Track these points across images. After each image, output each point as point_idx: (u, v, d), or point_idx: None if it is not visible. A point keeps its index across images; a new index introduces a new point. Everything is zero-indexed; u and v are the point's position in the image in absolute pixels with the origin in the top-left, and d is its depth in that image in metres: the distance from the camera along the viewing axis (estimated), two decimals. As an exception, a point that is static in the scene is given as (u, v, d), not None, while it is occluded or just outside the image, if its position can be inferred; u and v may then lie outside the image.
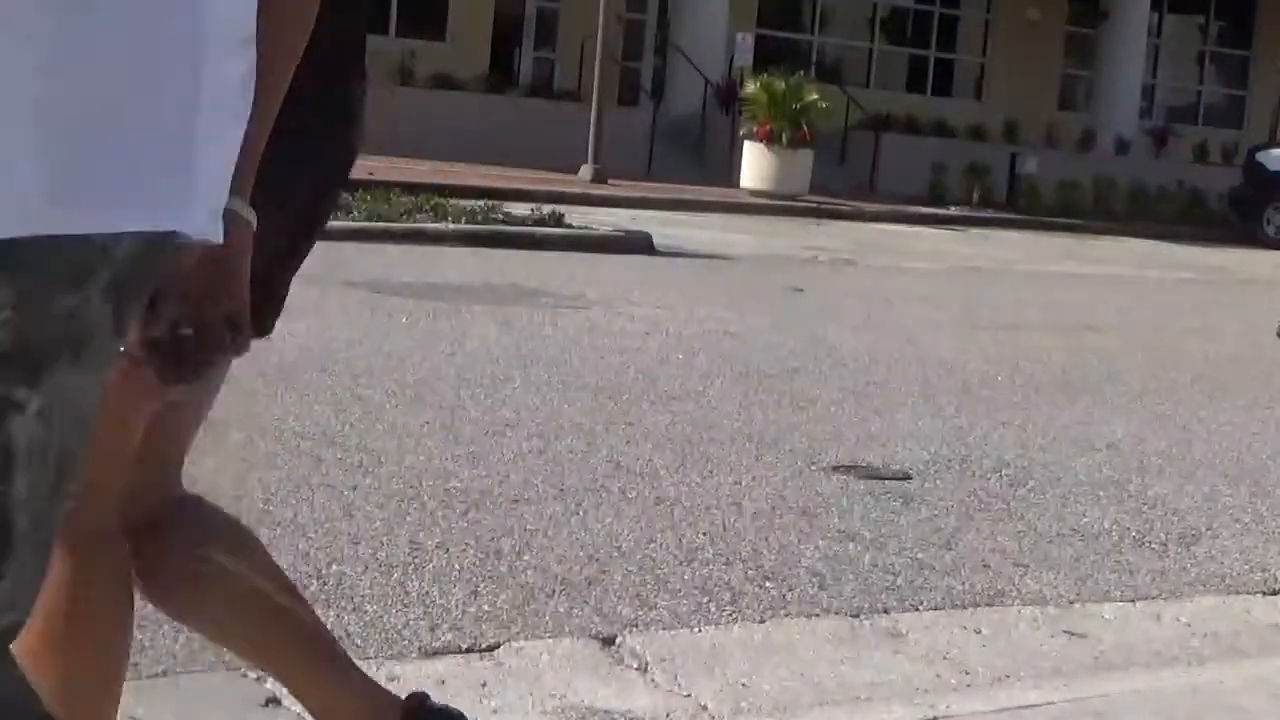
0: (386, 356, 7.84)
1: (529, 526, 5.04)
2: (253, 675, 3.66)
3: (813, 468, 6.21)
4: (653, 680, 3.86)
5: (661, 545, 4.96)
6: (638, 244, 14.87)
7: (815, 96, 22.57)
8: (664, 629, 4.22)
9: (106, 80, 1.50)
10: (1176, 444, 7.32)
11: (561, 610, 4.27)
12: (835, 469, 6.20)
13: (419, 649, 3.91)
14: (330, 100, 2.14)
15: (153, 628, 3.85)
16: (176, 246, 1.65)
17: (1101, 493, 6.20)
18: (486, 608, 4.24)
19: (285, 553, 4.54)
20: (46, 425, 1.55)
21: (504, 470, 5.74)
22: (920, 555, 5.10)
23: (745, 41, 25.37)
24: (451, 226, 14.35)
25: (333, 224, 13.20)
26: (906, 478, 6.15)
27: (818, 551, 5.04)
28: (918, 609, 4.57)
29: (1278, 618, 4.81)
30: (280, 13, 1.81)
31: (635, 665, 3.95)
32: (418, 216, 14.71)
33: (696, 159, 24.63)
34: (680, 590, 4.54)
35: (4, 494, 1.54)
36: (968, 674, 4.09)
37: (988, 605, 4.68)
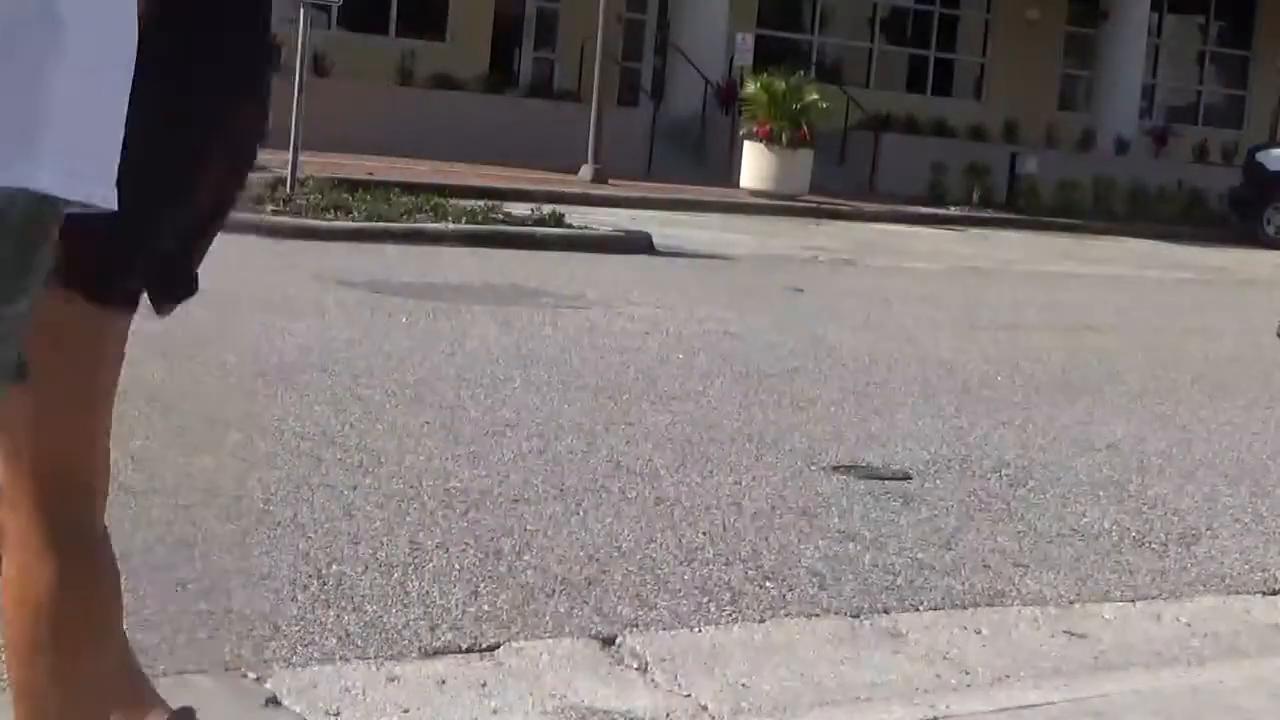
0: (386, 356, 7.84)
1: (529, 526, 5.04)
2: (252, 675, 3.66)
3: (813, 468, 6.20)
4: (653, 680, 3.86)
5: (661, 545, 4.96)
6: (638, 244, 14.87)
7: (815, 96, 22.56)
8: (664, 629, 4.22)
9: None
10: (1176, 444, 7.32)
11: (561, 610, 4.27)
12: (835, 469, 6.20)
13: (419, 649, 3.91)
14: (235, 77, 2.13)
15: (152, 628, 3.86)
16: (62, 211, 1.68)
17: (1101, 493, 6.20)
18: (486, 608, 4.24)
19: (285, 552, 4.54)
20: None
21: (504, 470, 5.74)
22: (920, 555, 5.10)
23: (745, 41, 25.37)
24: (451, 226, 14.35)
25: (333, 224, 13.18)
26: (906, 478, 6.15)
27: (818, 551, 5.04)
28: (918, 609, 4.57)
29: (1278, 618, 4.81)
30: None
31: (635, 665, 3.95)
32: (418, 216, 14.70)
33: (696, 159, 24.63)
34: (680, 590, 4.54)
35: None
36: (968, 674, 4.09)
37: (988, 605, 4.68)
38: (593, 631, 4.13)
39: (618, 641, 4.07)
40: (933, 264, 16.61)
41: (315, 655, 3.80)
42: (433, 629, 4.05)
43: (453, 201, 15.63)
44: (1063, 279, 16.21)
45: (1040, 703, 3.77)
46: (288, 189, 14.99)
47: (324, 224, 13.94)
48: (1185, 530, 5.73)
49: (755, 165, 22.39)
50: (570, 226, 15.15)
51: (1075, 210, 24.50)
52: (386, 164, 19.17)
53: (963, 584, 4.85)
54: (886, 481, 6.05)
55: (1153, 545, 5.49)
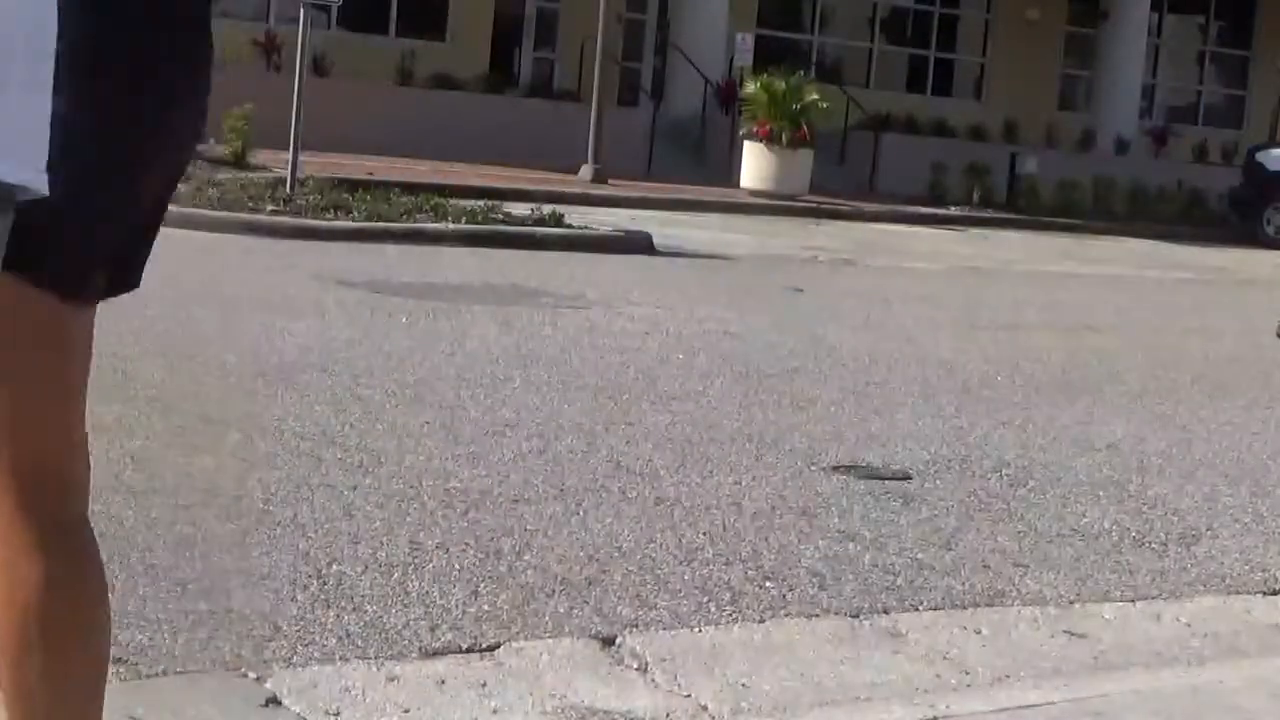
0: (386, 356, 7.84)
1: (529, 526, 5.04)
2: (252, 675, 3.66)
3: (813, 468, 6.20)
4: (653, 680, 3.86)
5: (661, 545, 4.96)
6: (638, 244, 14.87)
7: (815, 96, 22.56)
8: (664, 629, 4.22)
9: None
10: (1176, 444, 7.32)
11: (561, 610, 4.27)
12: (835, 469, 6.20)
13: (419, 649, 3.91)
14: (174, 79, 2.13)
15: (152, 628, 3.86)
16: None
17: (1101, 493, 6.20)
18: (486, 608, 4.24)
19: (285, 552, 4.54)
20: None
21: (504, 470, 5.74)
22: (920, 555, 5.10)
23: (745, 41, 25.37)
24: (451, 226, 14.35)
25: (333, 224, 13.17)
26: (906, 478, 6.15)
27: (818, 551, 5.04)
28: (918, 609, 4.57)
29: (1278, 618, 4.81)
30: None
31: (635, 665, 3.95)
32: (417, 216, 14.71)
33: (696, 159, 24.63)
34: (680, 590, 4.54)
35: None
36: (968, 674, 4.09)
37: (988, 605, 4.68)
38: (593, 631, 4.13)
39: (618, 641, 4.07)
40: (933, 264, 16.61)
41: (315, 655, 3.80)
42: (433, 629, 4.05)
43: (453, 201, 15.63)
44: (1063, 279, 16.21)
45: (1040, 703, 3.77)
46: (288, 189, 14.99)
47: (324, 224, 13.94)
48: (1185, 530, 5.73)
49: (755, 165, 22.39)
50: (570, 226, 15.15)
51: (1075, 210, 24.50)
52: (386, 164, 19.18)
53: (963, 584, 4.85)
54: (886, 481, 6.05)
55: (1153, 545, 5.49)
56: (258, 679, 3.64)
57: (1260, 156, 25.43)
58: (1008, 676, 4.08)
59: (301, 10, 15.10)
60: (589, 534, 5.01)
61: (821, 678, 3.96)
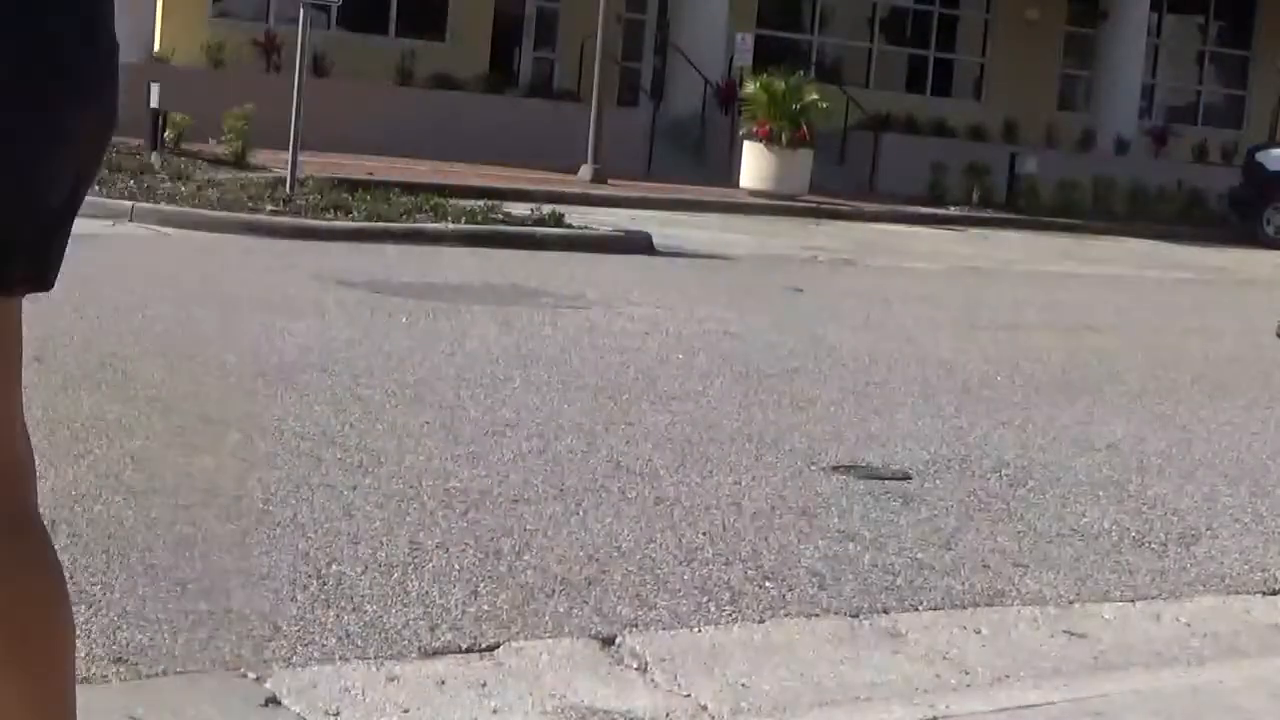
0: (386, 356, 7.84)
1: (529, 526, 5.04)
2: (252, 676, 3.66)
3: (813, 468, 6.20)
4: (652, 680, 3.86)
5: (661, 545, 4.96)
6: (638, 244, 14.87)
7: (815, 96, 22.56)
8: (664, 629, 4.22)
9: None
10: (1176, 444, 7.32)
11: (561, 610, 4.27)
12: (835, 469, 6.20)
13: (419, 649, 3.91)
14: (79, 90, 2.11)
15: (152, 628, 3.86)
16: None
17: (1101, 493, 6.20)
18: (486, 608, 4.24)
19: (285, 553, 4.54)
20: None
21: (504, 470, 5.74)
22: (920, 555, 5.10)
23: (745, 41, 25.37)
24: (451, 226, 14.35)
25: (333, 224, 13.17)
26: (906, 478, 6.15)
27: (817, 551, 5.04)
28: (917, 609, 4.57)
29: (1278, 618, 4.81)
30: None
31: (635, 665, 3.95)
32: (417, 216, 14.71)
33: (696, 159, 24.63)
34: (680, 590, 4.54)
35: None
36: (967, 674, 4.09)
37: (987, 605, 4.68)
38: (593, 631, 4.13)
39: (617, 641, 4.07)
40: (933, 264, 16.61)
41: (315, 655, 3.80)
42: (432, 629, 4.05)
43: (453, 201, 15.63)
44: (1063, 279, 16.21)
45: (1040, 703, 3.77)
46: (287, 189, 14.99)
47: (324, 224, 13.94)
48: (1185, 530, 5.73)
49: (755, 165, 22.39)
50: (570, 226, 15.16)
51: (1075, 210, 24.50)
52: (386, 164, 19.18)
53: (962, 584, 4.85)
54: (886, 481, 6.05)
55: (1152, 545, 5.49)
56: (258, 679, 3.64)
57: (1260, 156, 25.43)
58: (1007, 676, 4.08)
59: (301, 10, 15.10)
60: (589, 534, 5.01)
61: (821, 678, 3.96)
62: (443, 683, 3.72)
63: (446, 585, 4.38)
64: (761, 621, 4.34)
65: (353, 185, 16.03)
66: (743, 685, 3.86)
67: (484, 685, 3.73)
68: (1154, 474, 6.63)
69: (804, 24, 29.89)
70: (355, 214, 14.41)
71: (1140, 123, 30.56)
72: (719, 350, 9.01)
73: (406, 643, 3.94)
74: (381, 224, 14.13)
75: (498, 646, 3.96)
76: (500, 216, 15.02)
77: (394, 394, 6.94)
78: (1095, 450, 7.01)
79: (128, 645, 3.74)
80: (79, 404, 6.03)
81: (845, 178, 24.60)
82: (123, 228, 13.27)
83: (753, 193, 21.99)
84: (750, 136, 22.46)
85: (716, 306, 11.01)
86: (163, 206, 14.04)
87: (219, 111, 17.71)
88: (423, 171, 19.07)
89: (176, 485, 5.12)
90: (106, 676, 3.57)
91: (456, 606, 4.22)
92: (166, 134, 17.30)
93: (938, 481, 6.14)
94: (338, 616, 4.06)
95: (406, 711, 3.54)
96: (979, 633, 4.42)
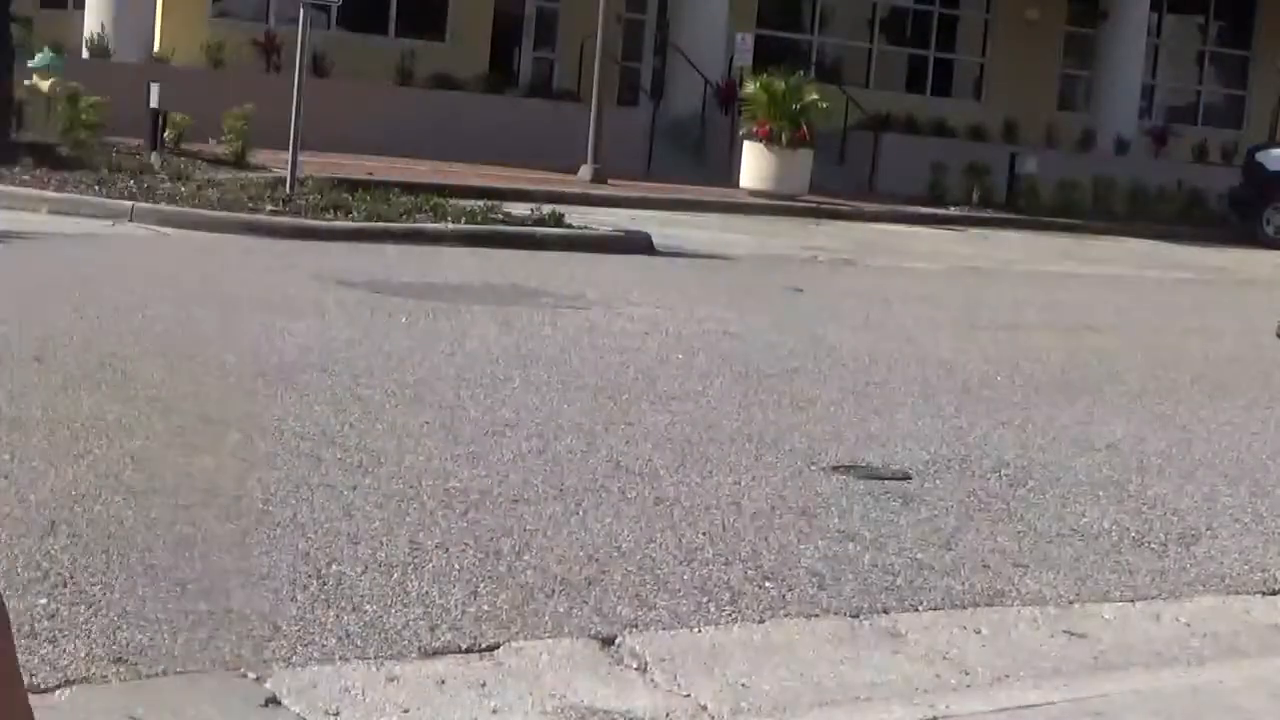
0: (386, 356, 7.84)
1: (529, 526, 5.04)
2: (252, 676, 3.66)
3: (813, 468, 6.20)
4: (652, 680, 3.86)
5: (661, 545, 4.96)
6: (637, 244, 14.87)
7: (815, 96, 22.55)
8: (664, 629, 4.22)
9: None
10: (1176, 444, 7.32)
11: (561, 610, 4.27)
12: (835, 469, 6.20)
13: (419, 649, 3.91)
14: None
15: (152, 628, 3.86)
16: None
17: (1101, 493, 6.20)
18: (486, 608, 4.24)
19: (285, 553, 4.54)
20: None
21: (504, 470, 5.74)
22: (920, 555, 5.10)
23: (745, 41, 25.35)
24: (451, 226, 14.34)
25: (333, 224, 13.16)
26: (906, 478, 6.15)
27: (817, 551, 5.04)
28: (917, 609, 4.57)
29: (1277, 618, 4.81)
30: None
31: (635, 665, 3.95)
32: (417, 216, 14.70)
33: (696, 159, 24.62)
34: (680, 590, 4.54)
35: None
36: (967, 674, 4.09)
37: (987, 605, 4.68)
38: (592, 631, 4.13)
39: (617, 641, 4.08)
40: (933, 264, 16.61)
41: (315, 655, 3.80)
42: (432, 629, 4.05)
43: (452, 201, 15.62)
44: (1063, 279, 16.21)
45: (1040, 703, 3.78)
46: (287, 189, 14.99)
47: (324, 224, 13.94)
48: (1185, 530, 5.73)
49: (755, 165, 22.38)
50: (570, 226, 15.15)
51: (1075, 210, 24.49)
52: (386, 164, 19.17)
53: (962, 584, 4.85)
54: (886, 481, 6.05)
55: (1152, 545, 5.49)
56: (258, 679, 3.64)
57: (1260, 156, 25.42)
58: (1007, 676, 4.08)
59: (301, 10, 15.09)
60: (589, 534, 5.01)
61: (821, 678, 3.97)
62: (443, 683, 3.72)
63: (446, 585, 4.38)
64: (761, 621, 4.35)
65: (353, 185, 16.02)
66: (743, 685, 3.86)
67: (484, 685, 3.73)
68: (1154, 474, 6.63)
69: (804, 24, 29.88)
70: (355, 214, 14.41)
71: (1140, 123, 30.55)
72: (719, 350, 9.01)
73: (406, 643, 3.94)
74: (381, 224, 14.12)
75: (498, 646, 3.96)
76: (500, 216, 15.02)
77: (394, 394, 6.94)
78: (1095, 450, 7.01)
79: (128, 645, 3.74)
80: (79, 404, 6.03)
81: (845, 178, 24.59)
82: (123, 228, 13.27)
83: (753, 193, 21.98)
84: (750, 136, 22.45)
85: (716, 306, 11.01)
86: (162, 206, 14.04)
87: (219, 111, 17.71)
88: (423, 171, 19.07)
89: (176, 485, 5.12)
90: (106, 676, 3.57)
91: (456, 606, 4.22)
92: (166, 134, 17.30)
93: (938, 481, 6.14)
94: (338, 616, 4.06)
95: (406, 711, 3.54)
96: (979, 633, 4.42)
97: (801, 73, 23.47)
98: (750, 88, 22.72)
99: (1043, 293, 14.35)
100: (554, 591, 4.42)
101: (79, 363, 6.90)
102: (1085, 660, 4.28)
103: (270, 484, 5.25)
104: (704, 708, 3.70)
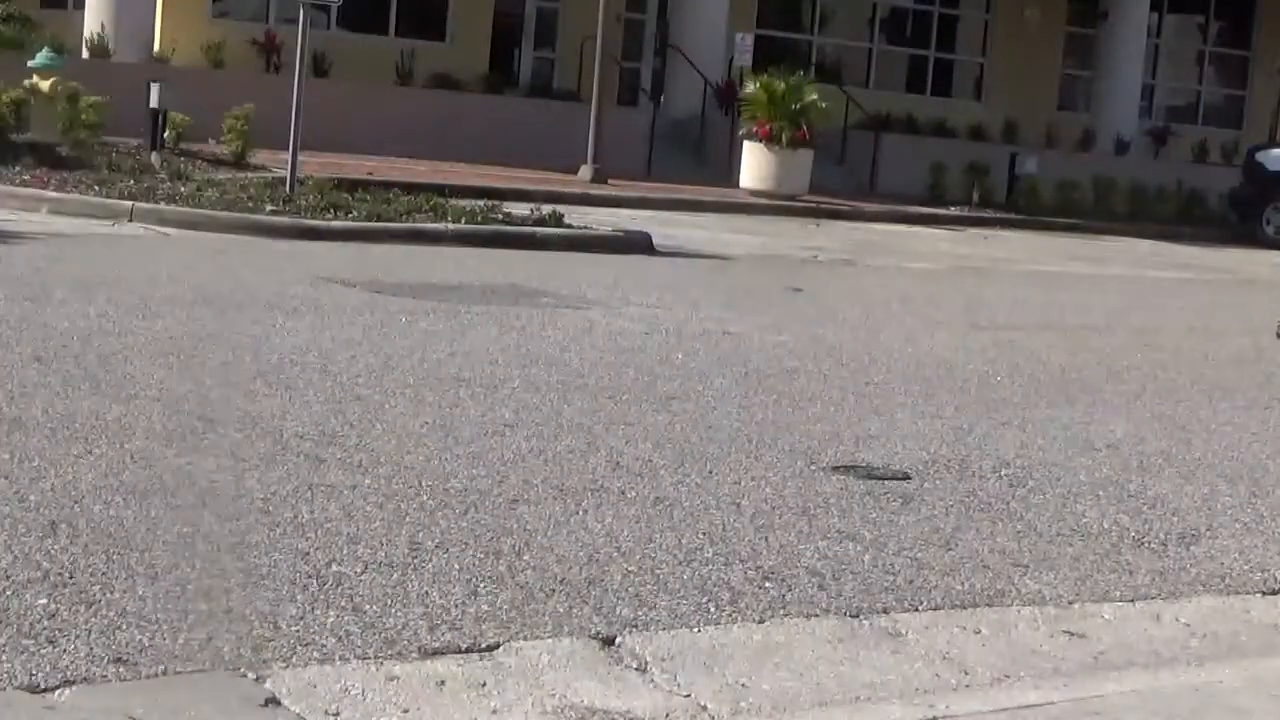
0: (386, 356, 7.84)
1: (529, 526, 5.04)
2: (252, 676, 3.66)
3: (812, 468, 6.20)
4: (652, 680, 3.86)
5: (661, 545, 4.96)
6: (637, 244, 14.87)
7: (815, 96, 22.54)
8: (664, 629, 4.22)
9: None
10: (1176, 444, 7.32)
11: (561, 610, 4.27)
12: (835, 469, 6.20)
13: (419, 649, 3.91)
14: None
15: (152, 628, 3.86)
16: None
17: (1101, 493, 6.20)
18: (486, 608, 4.24)
19: (285, 553, 4.54)
20: None
21: (503, 470, 5.74)
22: (920, 555, 5.10)
23: (745, 42, 25.35)
24: (451, 226, 14.34)
25: (333, 224, 13.16)
26: (906, 478, 6.15)
27: (817, 551, 5.04)
28: (917, 609, 4.57)
29: (1277, 618, 4.81)
30: None
31: (635, 665, 3.95)
32: (417, 216, 14.70)
33: (696, 159, 24.61)
34: (680, 590, 4.54)
35: None
36: (967, 674, 4.09)
37: (987, 605, 4.68)
38: (593, 631, 4.13)
39: (618, 641, 4.08)
40: (933, 264, 16.61)
41: (315, 655, 3.80)
42: (432, 629, 4.05)
43: (452, 201, 15.62)
44: (1063, 279, 16.21)
45: (1040, 703, 3.78)
46: (287, 189, 14.99)
47: (324, 224, 13.94)
48: (1185, 530, 5.73)
49: (755, 165, 22.38)
50: (570, 226, 15.15)
51: (1075, 210, 24.49)
52: (386, 164, 19.17)
53: (962, 584, 4.85)
54: (886, 481, 6.05)
55: (1152, 545, 5.49)
56: (257, 679, 3.64)
57: (1260, 156, 25.42)
58: (1007, 676, 4.08)
59: (301, 10, 15.09)
60: (589, 534, 5.01)
61: (821, 678, 3.97)
62: (442, 683, 3.72)
63: (446, 585, 4.38)
64: (761, 621, 4.35)
65: (353, 185, 16.01)
66: (743, 685, 3.86)
67: (484, 685, 3.73)
68: (1154, 474, 6.63)
69: (804, 24, 29.87)
70: (355, 214, 14.40)
71: (1140, 123, 30.55)
72: (719, 350, 9.01)
73: (406, 643, 3.94)
74: (381, 224, 14.12)
75: (497, 646, 3.96)
76: (500, 216, 15.01)
77: (394, 394, 6.94)
78: (1095, 450, 7.01)
79: (128, 645, 3.74)
80: (79, 404, 6.03)
81: (845, 178, 24.60)
82: (123, 228, 13.27)
83: (752, 193, 21.98)
84: (750, 136, 22.45)
85: (716, 306, 11.01)
86: (162, 206, 14.04)
87: (219, 111, 17.70)
88: (422, 171, 19.07)
89: (176, 485, 5.12)
90: (106, 676, 3.57)
91: (456, 606, 4.22)
92: (166, 134, 17.30)
93: (937, 481, 6.14)
94: (337, 617, 4.06)
95: (406, 712, 3.54)
96: (979, 633, 4.42)
97: (801, 73, 23.46)
98: (750, 88, 22.72)
99: (1043, 293, 14.35)
100: (554, 591, 4.42)
101: (79, 362, 6.90)
102: (1085, 660, 4.28)
103: (270, 484, 5.25)
104: (704, 708, 3.70)
